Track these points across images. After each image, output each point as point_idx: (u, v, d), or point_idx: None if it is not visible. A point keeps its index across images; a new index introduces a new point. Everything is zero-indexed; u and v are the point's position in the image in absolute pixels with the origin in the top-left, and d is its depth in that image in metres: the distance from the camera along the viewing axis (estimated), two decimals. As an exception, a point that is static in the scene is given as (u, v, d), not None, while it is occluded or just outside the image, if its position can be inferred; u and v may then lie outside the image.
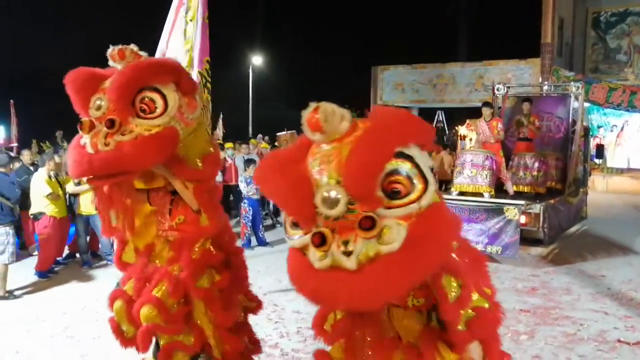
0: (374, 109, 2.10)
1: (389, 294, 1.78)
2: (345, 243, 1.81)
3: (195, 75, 7.15)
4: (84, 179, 3.25)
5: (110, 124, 2.91)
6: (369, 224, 1.79)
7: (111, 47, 3.09)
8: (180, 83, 3.15)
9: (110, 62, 3.12)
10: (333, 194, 1.85)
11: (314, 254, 1.89)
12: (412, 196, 1.86)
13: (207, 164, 3.39)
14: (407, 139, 1.90)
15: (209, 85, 7.39)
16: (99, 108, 3.01)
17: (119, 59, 3.07)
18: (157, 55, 7.04)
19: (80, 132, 3.04)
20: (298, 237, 1.99)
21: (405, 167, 1.88)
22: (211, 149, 3.51)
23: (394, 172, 1.87)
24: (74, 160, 3.00)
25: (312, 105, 1.97)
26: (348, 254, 1.80)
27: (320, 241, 1.84)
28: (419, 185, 1.88)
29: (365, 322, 2.38)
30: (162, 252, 3.44)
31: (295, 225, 2.01)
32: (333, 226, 1.85)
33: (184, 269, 3.32)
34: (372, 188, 1.84)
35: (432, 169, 1.95)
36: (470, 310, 2.08)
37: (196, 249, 3.38)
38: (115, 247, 7.56)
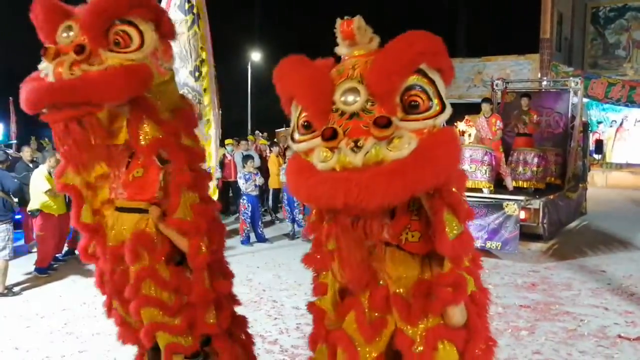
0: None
1: (389, 196, 1.76)
2: (356, 141, 1.81)
3: (212, 69, 7.36)
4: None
5: (80, 49, 2.59)
6: (384, 121, 1.80)
7: None
8: (161, 24, 2.86)
9: None
10: (354, 87, 1.89)
11: (318, 155, 1.88)
12: (429, 113, 1.89)
13: (179, 118, 3.06)
14: (432, 55, 1.94)
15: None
16: (68, 35, 2.67)
17: None
18: None
19: (43, 60, 2.66)
20: (302, 143, 1.98)
21: (426, 85, 1.92)
22: (185, 105, 3.19)
23: (416, 86, 1.90)
24: (30, 90, 2.60)
25: (347, 17, 2.02)
26: (356, 149, 1.80)
27: (332, 134, 1.83)
28: (436, 106, 1.91)
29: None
30: (114, 226, 3.09)
31: (305, 127, 1.99)
32: (346, 126, 1.85)
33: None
34: (394, 88, 1.87)
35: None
36: (466, 262, 2.17)
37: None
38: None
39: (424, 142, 1.82)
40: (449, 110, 1.94)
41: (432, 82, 1.93)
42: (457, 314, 2.20)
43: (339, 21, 2.04)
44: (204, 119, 7.19)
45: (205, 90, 7.19)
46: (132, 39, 2.69)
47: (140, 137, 2.91)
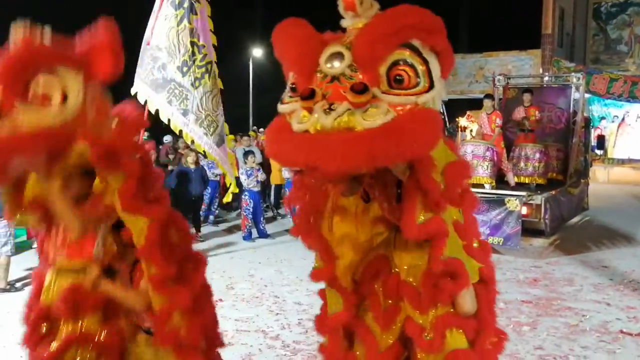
0: None
1: (349, 162, 1.76)
2: (330, 104, 1.81)
3: (214, 66, 7.22)
4: None
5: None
6: (360, 87, 1.79)
7: None
8: (93, 69, 2.48)
9: None
10: (340, 51, 1.88)
11: (297, 116, 1.89)
12: (413, 90, 1.87)
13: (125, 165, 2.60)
14: (427, 33, 1.92)
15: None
16: None
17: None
18: (143, 43, 7.03)
19: None
20: (286, 105, 2.00)
21: (415, 61, 1.89)
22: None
23: (404, 61, 1.88)
24: None
25: None
26: (329, 112, 1.80)
27: (310, 94, 1.83)
28: (423, 84, 1.89)
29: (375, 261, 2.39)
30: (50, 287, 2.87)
31: (292, 89, 2.00)
32: (326, 89, 1.85)
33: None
34: (377, 57, 1.85)
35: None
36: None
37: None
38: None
39: (400, 117, 1.81)
40: (435, 92, 1.91)
41: (425, 62, 1.91)
42: (467, 302, 2.21)
43: None
44: (190, 115, 6.89)
45: (195, 85, 6.91)
46: (53, 95, 2.33)
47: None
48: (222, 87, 7.30)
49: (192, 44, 6.90)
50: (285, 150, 1.91)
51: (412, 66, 1.88)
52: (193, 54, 6.88)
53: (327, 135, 1.78)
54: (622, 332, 5.69)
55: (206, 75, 6.99)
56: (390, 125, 1.78)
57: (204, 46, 7.02)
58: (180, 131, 7.01)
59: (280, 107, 2.04)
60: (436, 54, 1.95)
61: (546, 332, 5.65)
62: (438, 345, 2.18)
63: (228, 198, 8.14)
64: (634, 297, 6.86)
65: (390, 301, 2.33)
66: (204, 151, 7.21)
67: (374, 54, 1.85)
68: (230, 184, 7.57)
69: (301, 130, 1.85)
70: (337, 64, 1.87)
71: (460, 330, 2.21)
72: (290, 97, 2.01)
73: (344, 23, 2.06)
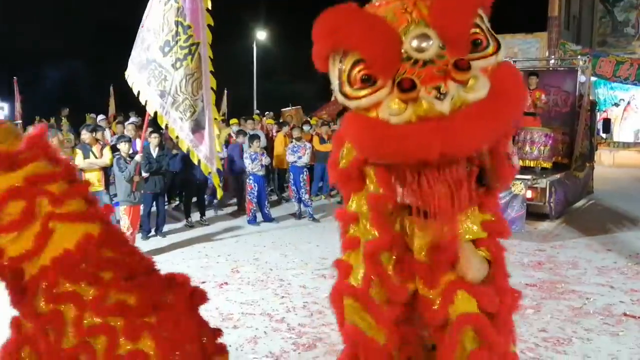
0: None
1: (484, 138, 1.76)
2: (437, 88, 1.75)
3: (204, 49, 6.84)
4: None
5: None
6: (464, 64, 1.75)
7: None
8: None
9: None
10: (424, 32, 1.82)
11: (389, 109, 1.79)
12: (489, 50, 1.87)
13: None
14: None
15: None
16: None
17: None
18: (140, 26, 6.86)
19: None
20: (364, 99, 1.88)
21: (481, 22, 1.91)
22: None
23: (475, 24, 1.88)
24: None
25: None
26: (442, 96, 1.74)
27: (411, 85, 1.75)
28: (493, 43, 1.90)
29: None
30: None
31: (365, 80, 1.89)
32: (419, 74, 1.78)
33: None
34: (466, 29, 1.83)
35: None
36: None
37: None
38: (122, 223, 7.63)
39: (495, 80, 1.79)
40: (503, 46, 1.92)
41: (482, 17, 1.91)
42: (472, 264, 2.16)
43: None
44: (168, 97, 6.54)
45: (176, 67, 6.56)
46: None
47: None
48: (212, 70, 6.87)
49: (177, 23, 6.55)
50: (412, 146, 1.76)
51: (480, 28, 1.88)
52: (177, 33, 6.54)
53: (447, 119, 1.73)
54: (625, 314, 5.71)
55: (189, 57, 6.61)
56: (496, 91, 1.77)
57: (190, 27, 6.61)
58: (156, 113, 6.68)
59: (354, 103, 1.92)
60: (482, 6, 1.96)
61: (550, 315, 5.67)
62: (444, 312, 2.15)
63: (220, 194, 7.86)
64: (638, 280, 6.86)
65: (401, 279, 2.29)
66: (177, 137, 6.82)
67: (464, 27, 1.82)
68: (210, 173, 7.07)
69: (403, 121, 1.77)
70: (427, 46, 1.81)
71: (470, 295, 2.15)
72: (362, 88, 1.89)
73: None
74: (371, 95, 1.86)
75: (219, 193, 7.54)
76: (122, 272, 2.28)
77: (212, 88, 6.82)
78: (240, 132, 11.56)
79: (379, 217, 2.22)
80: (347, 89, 1.94)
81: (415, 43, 1.82)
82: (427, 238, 2.17)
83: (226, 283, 6.64)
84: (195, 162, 6.90)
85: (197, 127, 6.72)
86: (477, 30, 1.86)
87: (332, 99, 16.36)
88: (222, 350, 2.58)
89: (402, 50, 1.84)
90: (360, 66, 1.89)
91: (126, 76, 6.91)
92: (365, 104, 1.88)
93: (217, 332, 2.57)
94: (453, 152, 1.76)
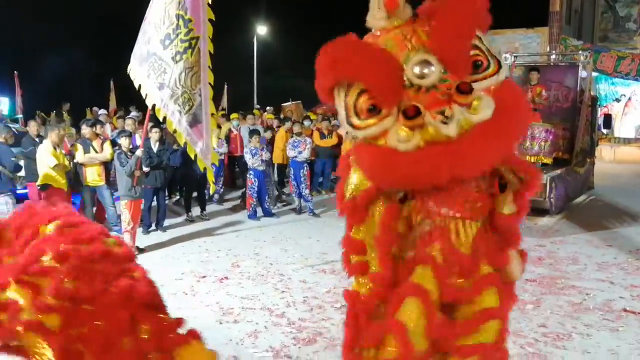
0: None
1: (491, 158, 1.78)
2: (442, 112, 1.77)
3: (203, 43, 6.81)
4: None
5: None
6: (467, 87, 1.78)
7: None
8: None
9: None
10: (425, 59, 1.83)
11: (397, 136, 1.82)
12: (490, 71, 1.89)
13: None
14: (485, 10, 1.94)
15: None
16: None
17: None
18: (141, 28, 6.86)
19: None
20: (371, 128, 1.91)
21: (480, 43, 1.93)
22: None
23: (475, 46, 1.90)
24: None
25: None
26: (448, 121, 1.77)
27: (416, 112, 1.78)
28: (494, 62, 1.92)
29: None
30: None
31: (371, 110, 1.92)
32: (422, 100, 1.81)
33: None
34: (465, 51, 1.86)
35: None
36: None
37: None
38: (123, 217, 7.63)
39: (499, 99, 1.82)
40: (504, 65, 1.95)
41: (480, 38, 1.93)
42: (517, 266, 2.31)
43: None
44: (166, 89, 6.50)
45: (175, 60, 6.52)
46: None
47: None
48: (210, 65, 6.80)
49: (178, 16, 6.51)
50: (422, 171, 1.81)
51: (480, 49, 1.91)
52: (177, 27, 6.50)
53: (453, 142, 1.76)
54: (625, 310, 5.71)
55: (189, 51, 6.57)
56: (500, 110, 1.78)
57: (191, 20, 6.57)
58: (154, 106, 6.65)
59: (362, 133, 1.95)
60: (479, 27, 1.97)
61: (550, 310, 5.68)
62: (469, 296, 2.17)
63: (213, 189, 7.75)
64: (638, 275, 6.86)
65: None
66: (174, 130, 6.74)
67: (463, 50, 1.84)
68: (205, 169, 6.94)
69: (412, 147, 1.80)
70: (428, 72, 1.83)
71: (496, 290, 2.21)
72: (368, 118, 1.92)
73: (377, 23, 1.99)
74: (378, 124, 1.90)
75: (212, 188, 7.53)
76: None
77: (209, 83, 6.81)
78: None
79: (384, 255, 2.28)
80: (354, 119, 1.97)
81: (417, 70, 1.85)
82: (469, 236, 2.21)
83: (226, 277, 6.65)
84: (192, 157, 6.88)
85: (194, 121, 6.70)
86: (477, 51, 1.89)
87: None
88: (190, 338, 2.34)
89: (405, 78, 1.86)
90: (365, 96, 1.92)
91: (128, 70, 6.90)
92: (372, 133, 1.92)
93: (178, 321, 2.37)
94: (462, 174, 1.80)
